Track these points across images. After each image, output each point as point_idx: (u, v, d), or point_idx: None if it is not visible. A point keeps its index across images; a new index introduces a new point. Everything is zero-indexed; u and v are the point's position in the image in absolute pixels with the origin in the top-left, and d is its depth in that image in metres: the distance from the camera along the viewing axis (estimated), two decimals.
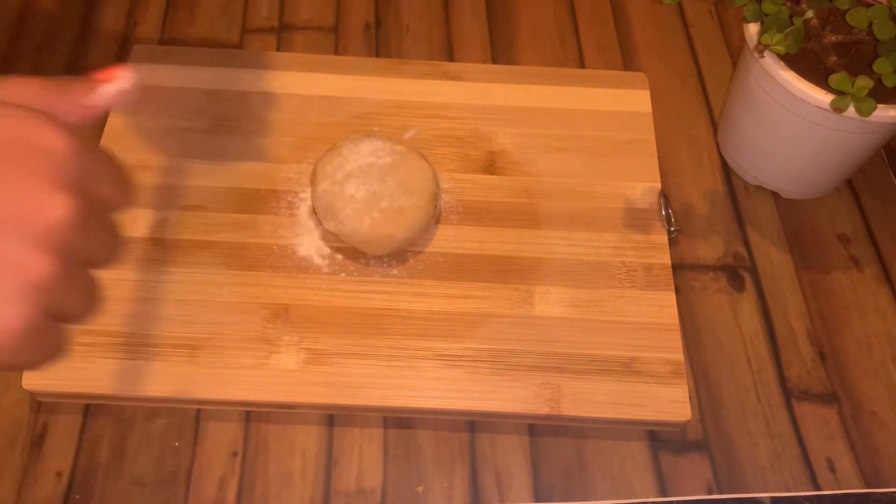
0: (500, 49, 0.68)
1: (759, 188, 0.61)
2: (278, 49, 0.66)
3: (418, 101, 0.62)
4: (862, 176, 0.62)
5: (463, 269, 0.54)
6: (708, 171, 0.62)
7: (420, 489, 0.48)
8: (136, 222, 0.55)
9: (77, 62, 0.65)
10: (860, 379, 0.53)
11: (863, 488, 0.49)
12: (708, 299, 0.55)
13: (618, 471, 0.49)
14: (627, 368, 0.51)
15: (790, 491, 0.49)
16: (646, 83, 0.64)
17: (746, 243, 0.58)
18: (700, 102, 0.66)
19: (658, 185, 0.59)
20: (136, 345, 0.50)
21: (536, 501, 0.48)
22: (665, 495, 0.48)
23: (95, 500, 0.47)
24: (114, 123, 0.59)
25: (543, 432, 0.50)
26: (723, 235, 0.58)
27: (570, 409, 0.49)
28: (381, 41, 0.67)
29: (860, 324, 0.55)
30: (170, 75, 0.62)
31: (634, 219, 0.57)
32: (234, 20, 0.68)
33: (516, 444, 0.49)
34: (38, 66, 0.64)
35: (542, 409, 0.49)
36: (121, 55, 0.65)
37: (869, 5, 0.51)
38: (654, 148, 0.61)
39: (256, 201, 0.56)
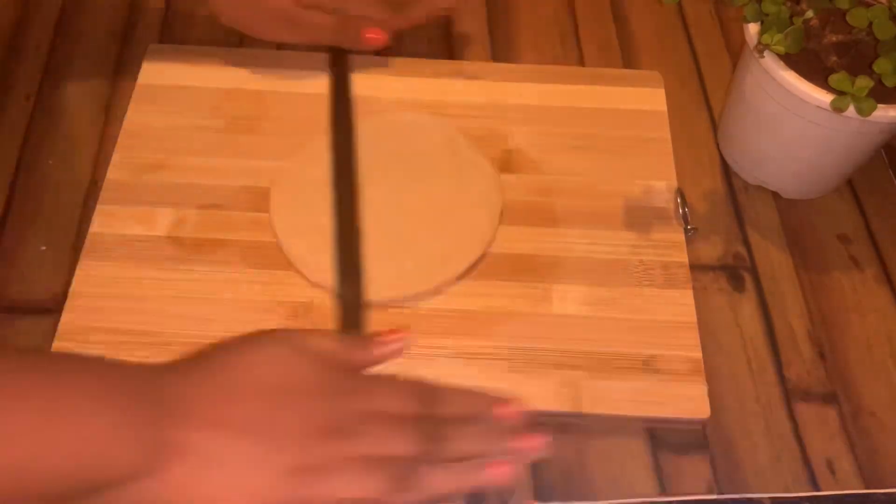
0: (500, 49, 0.68)
1: (759, 188, 0.61)
2: (278, 50, 0.66)
3: (434, 99, 0.62)
4: (862, 176, 0.62)
5: (481, 267, 0.54)
6: (708, 171, 0.62)
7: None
8: (155, 221, 0.55)
9: (76, 61, 0.65)
10: (860, 379, 0.53)
11: (863, 488, 0.49)
12: (708, 299, 0.55)
13: (618, 471, 0.49)
14: (646, 366, 0.51)
15: (790, 491, 0.48)
16: (660, 81, 0.64)
17: (746, 243, 0.58)
18: (700, 102, 0.65)
19: (675, 183, 0.59)
20: (156, 343, 0.50)
21: (536, 501, 0.48)
22: (665, 495, 0.48)
23: None
24: (131, 123, 0.60)
25: (543, 431, 0.50)
26: (723, 235, 0.58)
27: (589, 406, 0.49)
28: None
29: (860, 324, 0.55)
30: (186, 74, 0.62)
31: (651, 217, 0.57)
32: None
33: None
34: (37, 66, 0.64)
35: (563, 407, 0.49)
36: (120, 54, 0.65)
37: (869, 5, 0.51)
38: (670, 146, 0.61)
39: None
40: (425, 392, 0.42)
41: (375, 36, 0.60)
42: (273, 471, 0.37)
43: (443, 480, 0.40)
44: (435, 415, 0.41)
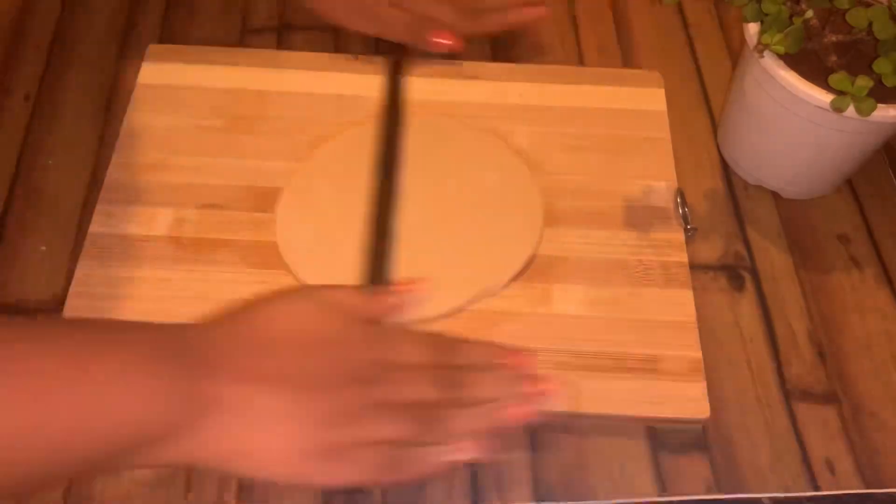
0: (500, 49, 0.68)
1: (759, 188, 0.61)
2: (278, 50, 0.66)
3: (434, 100, 0.62)
4: (862, 176, 0.62)
5: None
6: (708, 171, 0.62)
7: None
8: (155, 221, 0.55)
9: (76, 61, 0.65)
10: (860, 379, 0.53)
11: (863, 488, 0.49)
12: (708, 299, 0.55)
13: (618, 471, 0.49)
14: (646, 366, 0.51)
15: (790, 491, 0.49)
16: (661, 81, 0.64)
17: (746, 243, 0.58)
18: (700, 102, 0.65)
19: (675, 183, 0.59)
20: None
21: (536, 501, 0.48)
22: (665, 495, 0.48)
23: (95, 500, 0.47)
24: (131, 123, 0.60)
25: (543, 431, 0.50)
26: (723, 235, 0.58)
27: (589, 406, 0.49)
28: (381, 41, 0.67)
29: (860, 324, 0.55)
30: (187, 74, 0.63)
31: (651, 217, 0.57)
32: (234, 20, 0.68)
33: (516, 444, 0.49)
34: (37, 66, 0.64)
35: (563, 407, 0.49)
36: (120, 54, 0.65)
37: (869, 5, 0.51)
38: (670, 146, 0.61)
39: (275, 200, 0.56)
40: (442, 343, 0.44)
41: (444, 40, 0.62)
42: (307, 419, 0.38)
43: (464, 422, 0.42)
44: (452, 364, 0.43)
